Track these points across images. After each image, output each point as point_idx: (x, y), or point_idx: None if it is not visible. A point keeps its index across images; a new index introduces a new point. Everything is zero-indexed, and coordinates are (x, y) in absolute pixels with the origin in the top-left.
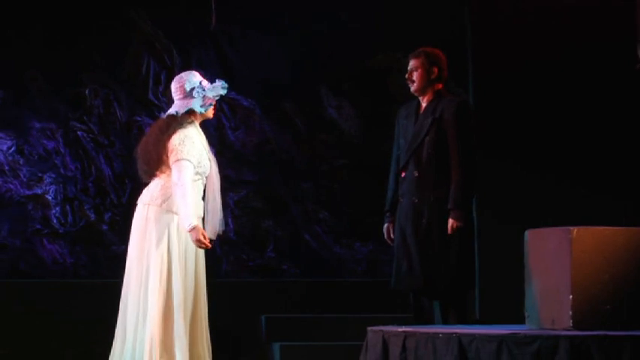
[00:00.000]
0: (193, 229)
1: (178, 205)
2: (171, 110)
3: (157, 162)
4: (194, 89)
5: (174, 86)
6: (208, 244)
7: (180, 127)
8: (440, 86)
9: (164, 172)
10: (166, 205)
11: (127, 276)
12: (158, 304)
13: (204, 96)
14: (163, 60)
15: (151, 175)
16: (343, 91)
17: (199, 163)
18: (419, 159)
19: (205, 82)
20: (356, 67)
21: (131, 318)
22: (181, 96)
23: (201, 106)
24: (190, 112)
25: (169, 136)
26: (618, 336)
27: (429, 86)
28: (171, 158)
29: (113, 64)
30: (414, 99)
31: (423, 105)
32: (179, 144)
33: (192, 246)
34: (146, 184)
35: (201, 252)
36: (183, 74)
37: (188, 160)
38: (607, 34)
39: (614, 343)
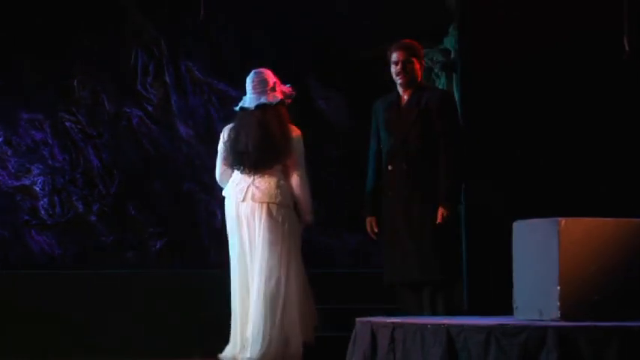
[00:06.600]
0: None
1: (307, 203)
2: (263, 100)
3: (285, 153)
4: (276, 84)
5: (257, 79)
6: None
7: (291, 123)
8: (420, 78)
9: (277, 169)
10: (286, 201)
11: (249, 269)
12: (299, 291)
13: (282, 91)
14: (152, 51)
15: (272, 165)
16: (332, 82)
17: None
18: (406, 151)
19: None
20: (345, 58)
21: (259, 309)
22: (260, 90)
23: (287, 99)
24: (281, 104)
25: (290, 132)
26: (606, 327)
27: (417, 78)
28: (296, 164)
29: (102, 55)
30: (392, 91)
31: (405, 97)
32: (302, 153)
33: None
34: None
35: None
36: (260, 70)
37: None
38: (595, 23)
39: (602, 334)
